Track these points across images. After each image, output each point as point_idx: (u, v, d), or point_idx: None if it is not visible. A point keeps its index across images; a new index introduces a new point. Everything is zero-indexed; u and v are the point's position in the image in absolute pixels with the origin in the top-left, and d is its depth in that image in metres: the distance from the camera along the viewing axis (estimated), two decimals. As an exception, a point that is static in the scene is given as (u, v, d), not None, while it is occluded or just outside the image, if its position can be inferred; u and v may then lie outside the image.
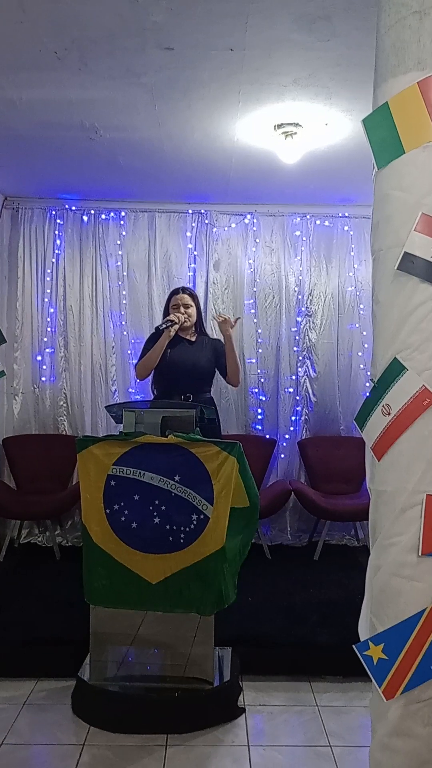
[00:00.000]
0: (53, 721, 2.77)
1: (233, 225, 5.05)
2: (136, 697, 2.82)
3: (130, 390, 5.03)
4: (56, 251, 5.01)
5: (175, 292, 3.93)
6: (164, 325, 3.71)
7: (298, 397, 5.08)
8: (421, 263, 1.68)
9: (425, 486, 1.66)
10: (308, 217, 5.04)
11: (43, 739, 2.68)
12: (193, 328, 3.91)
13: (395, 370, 1.70)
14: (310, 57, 2.81)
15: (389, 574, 1.70)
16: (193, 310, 3.84)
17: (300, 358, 5.07)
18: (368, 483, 1.81)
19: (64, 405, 5.03)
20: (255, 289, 5.04)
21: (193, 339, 3.89)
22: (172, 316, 3.75)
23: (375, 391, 1.76)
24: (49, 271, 5.00)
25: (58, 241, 5.00)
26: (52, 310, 5.01)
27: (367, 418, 1.77)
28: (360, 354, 5.05)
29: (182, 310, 3.80)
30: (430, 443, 1.66)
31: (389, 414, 1.70)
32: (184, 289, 3.94)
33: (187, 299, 3.85)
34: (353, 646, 1.75)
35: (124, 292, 5.02)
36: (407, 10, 1.72)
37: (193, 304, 3.87)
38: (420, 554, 1.66)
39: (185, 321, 3.79)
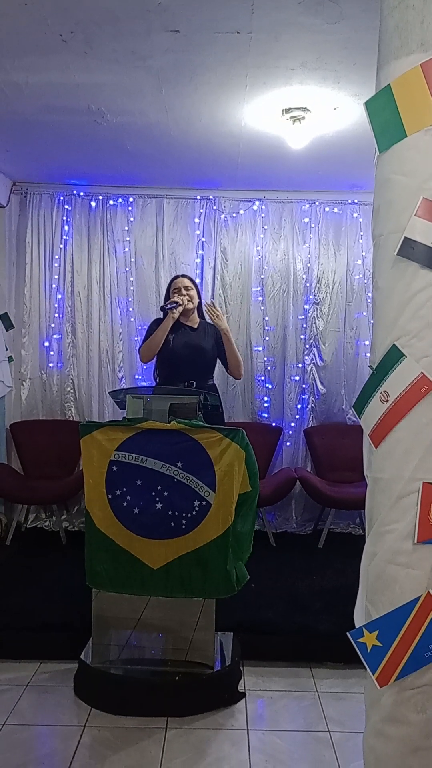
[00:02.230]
0: (55, 703, 2.81)
1: (241, 211, 5.02)
2: (138, 680, 2.85)
3: (136, 376, 5.04)
4: (64, 237, 5.00)
5: (175, 277, 4.00)
6: (169, 306, 3.73)
7: (304, 386, 5.06)
8: (421, 249, 1.65)
9: (422, 474, 1.65)
10: (317, 203, 4.99)
11: (44, 720, 2.72)
12: (195, 313, 3.92)
13: (394, 356, 1.69)
14: (317, 40, 2.77)
15: (385, 562, 1.70)
16: (194, 292, 3.88)
17: (307, 346, 5.04)
18: (365, 470, 1.80)
19: (71, 391, 5.05)
20: (263, 276, 5.01)
21: (195, 326, 3.90)
22: (176, 298, 3.78)
23: (373, 378, 1.74)
24: (57, 256, 5.00)
25: (66, 227, 5.00)
26: (59, 296, 5.02)
27: (365, 405, 1.75)
28: (367, 343, 5.01)
29: (183, 292, 3.83)
30: (428, 431, 1.65)
31: (387, 401, 1.69)
32: (183, 275, 4.02)
33: (187, 282, 3.91)
34: (347, 633, 1.75)
35: (131, 279, 5.02)
36: (411, -10, 1.69)
37: (192, 286, 3.91)
38: (415, 542, 1.65)
39: (188, 303, 3.81)
